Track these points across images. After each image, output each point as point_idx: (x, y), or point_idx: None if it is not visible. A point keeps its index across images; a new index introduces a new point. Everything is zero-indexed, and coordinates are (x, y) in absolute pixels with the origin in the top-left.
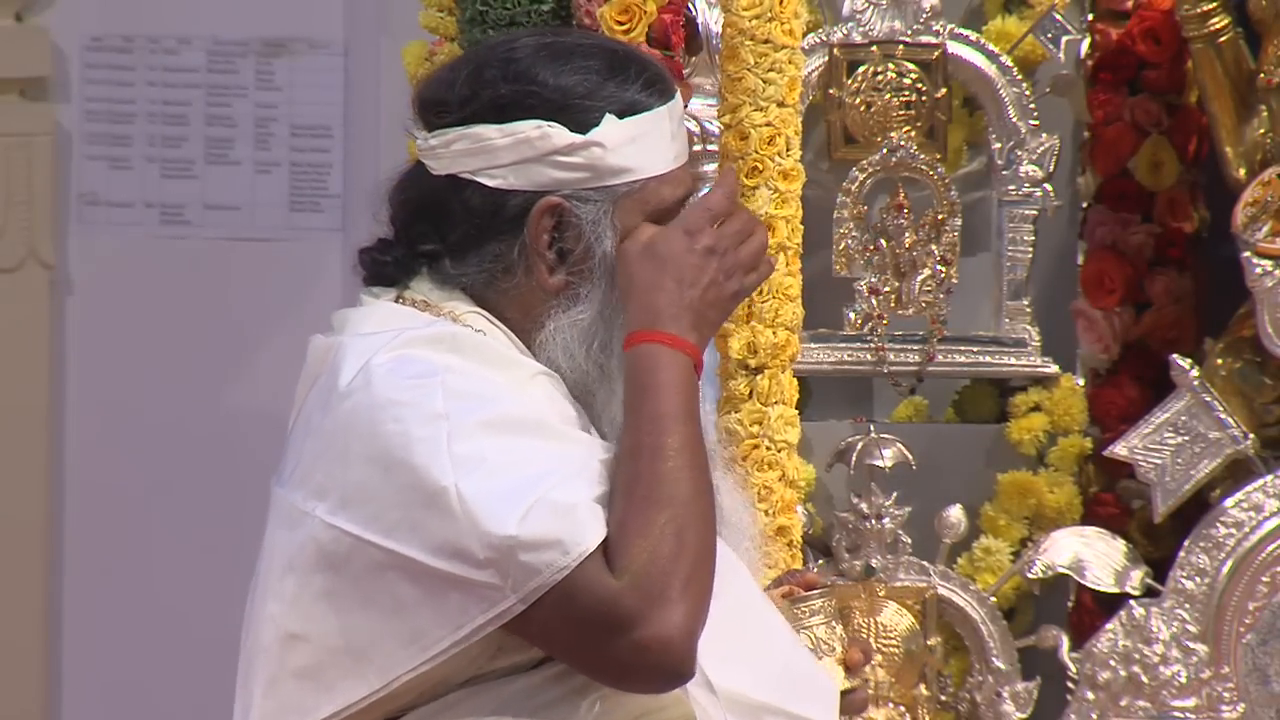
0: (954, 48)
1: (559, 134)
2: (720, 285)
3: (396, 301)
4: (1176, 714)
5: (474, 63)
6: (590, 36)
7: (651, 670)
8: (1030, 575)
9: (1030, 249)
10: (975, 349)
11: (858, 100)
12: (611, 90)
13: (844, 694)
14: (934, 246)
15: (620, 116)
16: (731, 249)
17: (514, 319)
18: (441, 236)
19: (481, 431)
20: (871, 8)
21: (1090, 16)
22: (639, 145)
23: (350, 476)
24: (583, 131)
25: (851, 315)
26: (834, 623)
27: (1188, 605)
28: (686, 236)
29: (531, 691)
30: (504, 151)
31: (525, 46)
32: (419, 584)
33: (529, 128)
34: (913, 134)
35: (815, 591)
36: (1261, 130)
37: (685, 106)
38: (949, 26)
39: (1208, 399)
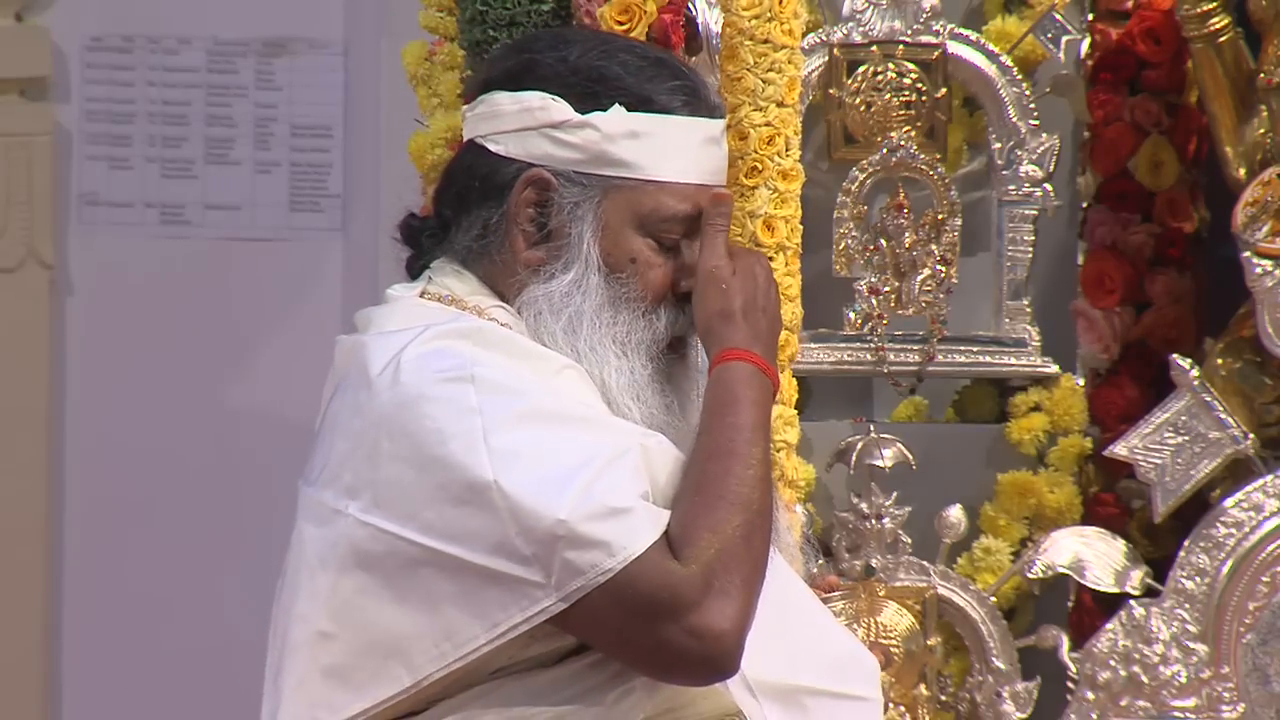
0: (954, 48)
1: (559, 109)
2: (777, 317)
3: (421, 297)
4: (1176, 714)
5: (525, 38)
6: (646, 44)
7: (699, 659)
8: (1030, 575)
9: (1030, 249)
10: (975, 349)
11: (858, 100)
12: (631, 83)
13: None
14: (934, 246)
15: (630, 109)
16: (778, 283)
17: (507, 297)
18: (448, 200)
19: (517, 424)
20: (871, 8)
21: (1090, 16)
22: (645, 144)
23: (383, 475)
24: (584, 112)
25: (851, 315)
26: (854, 625)
27: (1188, 605)
28: (764, 268)
29: (560, 683)
30: (510, 118)
31: (579, 31)
32: (456, 581)
33: (534, 98)
34: (913, 134)
35: (835, 594)
36: (1261, 130)
37: None
38: (949, 26)
39: (1208, 399)
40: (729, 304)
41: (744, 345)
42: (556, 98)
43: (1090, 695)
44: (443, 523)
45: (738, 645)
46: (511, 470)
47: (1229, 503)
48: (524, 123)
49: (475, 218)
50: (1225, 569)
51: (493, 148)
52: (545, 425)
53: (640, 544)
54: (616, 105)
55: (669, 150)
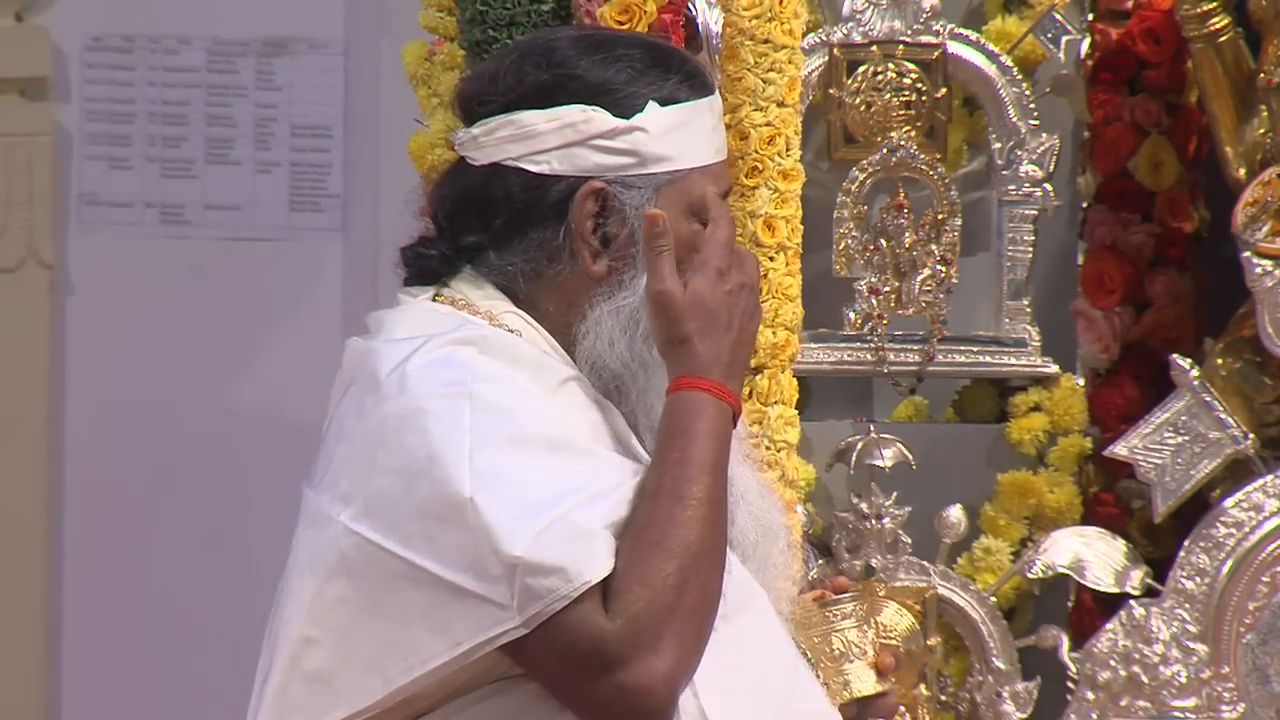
0: (954, 48)
1: (602, 118)
2: (748, 324)
3: (434, 301)
4: (1176, 714)
5: (515, 54)
6: (628, 33)
7: (628, 714)
8: (1030, 575)
9: (1030, 249)
10: (975, 349)
11: (858, 100)
12: (653, 79)
13: (874, 698)
14: (934, 246)
15: (663, 105)
16: (751, 283)
17: (554, 312)
18: (485, 227)
19: (505, 447)
20: (871, 8)
21: (1090, 16)
22: (681, 134)
23: (374, 484)
24: (626, 117)
25: (851, 315)
26: (865, 626)
27: (1188, 605)
28: (719, 278)
29: (547, 694)
30: (548, 136)
31: (565, 38)
32: (428, 596)
33: (573, 112)
34: (913, 134)
35: (846, 595)
36: (1261, 130)
37: None
38: (949, 26)
39: (1208, 399)
40: (681, 329)
41: (699, 372)
42: (595, 108)
43: (1090, 695)
44: (423, 537)
45: (668, 700)
46: (488, 490)
47: (1229, 503)
48: (566, 139)
49: (530, 241)
50: (1225, 569)
51: (533, 168)
52: (533, 452)
53: (598, 571)
54: (651, 103)
55: (701, 135)
